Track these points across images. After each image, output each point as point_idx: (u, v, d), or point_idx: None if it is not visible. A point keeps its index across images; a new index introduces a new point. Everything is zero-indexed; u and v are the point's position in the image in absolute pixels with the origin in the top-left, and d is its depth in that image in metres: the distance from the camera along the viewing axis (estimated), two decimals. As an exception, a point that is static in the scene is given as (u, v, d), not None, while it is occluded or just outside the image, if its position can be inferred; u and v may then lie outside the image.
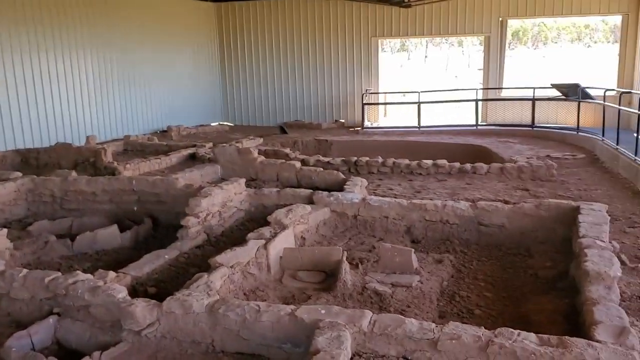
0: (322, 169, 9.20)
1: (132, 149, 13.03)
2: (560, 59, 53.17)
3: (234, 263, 4.98)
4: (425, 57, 62.97)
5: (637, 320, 4.22)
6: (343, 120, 18.83)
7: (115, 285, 4.42)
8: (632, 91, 14.30)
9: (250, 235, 5.70)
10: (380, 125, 18.65)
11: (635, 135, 10.00)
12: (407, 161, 10.43)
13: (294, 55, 19.20)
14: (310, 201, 6.96)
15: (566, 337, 3.42)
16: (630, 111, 12.47)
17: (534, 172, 9.76)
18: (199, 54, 18.79)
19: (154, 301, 4.17)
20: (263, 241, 5.53)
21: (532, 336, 3.47)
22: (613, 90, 14.23)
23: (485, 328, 3.64)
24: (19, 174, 8.36)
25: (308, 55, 19.09)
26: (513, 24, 34.33)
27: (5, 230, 6.02)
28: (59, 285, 4.48)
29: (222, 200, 6.83)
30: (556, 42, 66.77)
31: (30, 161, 11.11)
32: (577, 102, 14.42)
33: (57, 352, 4.32)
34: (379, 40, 19.08)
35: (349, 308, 4.35)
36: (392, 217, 6.70)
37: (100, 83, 14.43)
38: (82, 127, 13.74)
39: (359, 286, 5.14)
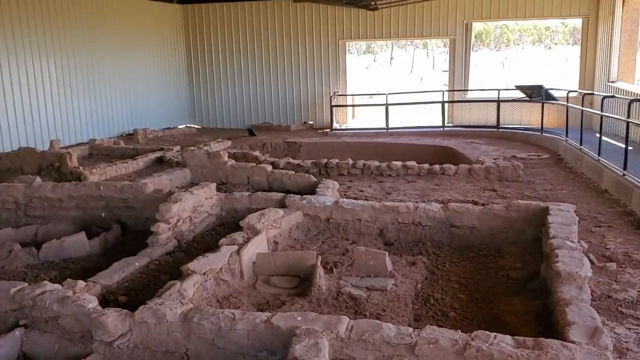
0: (293, 172, 9.16)
1: (98, 153, 12.83)
2: (522, 61, 54.11)
3: (206, 270, 4.92)
4: (391, 59, 63.35)
5: (607, 320, 4.30)
6: (312, 122, 18.84)
7: (85, 295, 4.32)
8: (594, 92, 14.61)
9: (222, 240, 5.63)
10: (349, 127, 18.73)
11: (597, 135, 10.21)
12: (377, 163, 10.48)
13: (262, 57, 19.13)
14: (282, 205, 6.92)
15: (541, 338, 3.45)
16: (592, 112, 12.75)
17: (500, 173, 9.90)
18: (165, 56, 18.58)
19: (125, 311, 4.08)
20: (236, 247, 5.47)
21: (508, 338, 3.49)
22: (575, 91, 14.52)
23: (461, 331, 3.65)
24: (-19, 180, 8.14)
25: (276, 57, 19.05)
26: (476, 26, 34.79)
27: (-33, 240, 5.84)
28: (26, 296, 4.35)
29: (192, 206, 6.74)
30: (518, 44, 67.86)
31: (-8, 167, 10.82)
32: (540, 103, 14.67)
33: (24, 365, 4.21)
34: (346, 43, 19.13)
35: (325, 313, 4.34)
36: (365, 219, 6.71)
37: (64, 86, 14.14)
38: (46, 131, 13.44)
39: (333, 291, 5.12)
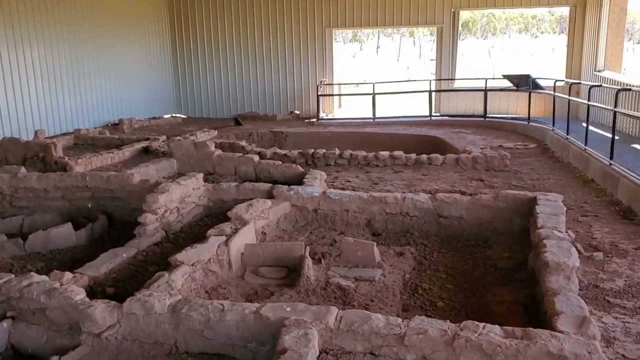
0: (280, 163, 9.13)
1: (83, 143, 12.70)
2: (509, 50, 54.26)
3: (194, 261, 4.89)
4: (378, 47, 63.29)
5: (595, 309, 4.34)
6: (298, 112, 18.80)
7: (72, 287, 4.28)
8: (582, 82, 14.68)
9: (210, 231, 5.61)
10: (336, 116, 18.69)
11: (584, 125, 10.27)
12: (364, 153, 10.48)
13: (248, 46, 19.02)
14: (270, 195, 6.90)
15: (530, 328, 3.48)
16: (579, 101, 12.81)
17: (488, 163, 9.93)
18: (150, 44, 18.41)
19: (113, 302, 4.06)
20: (224, 237, 5.44)
21: (497, 328, 3.51)
22: (562, 80, 14.59)
23: (449, 321, 3.67)
24: (-36, 171, 8.03)
25: (262, 46, 18.95)
26: (463, 14, 34.79)
27: (-49, 231, 5.77)
28: (13, 288, 4.30)
29: (180, 196, 6.70)
30: (504, 33, 68.05)
31: (-24, 157, 10.69)
32: (528, 93, 14.72)
33: (12, 357, 4.17)
34: (333, 31, 19.06)
35: (313, 304, 4.34)
36: (353, 210, 6.71)
37: (48, 75, 13.93)
38: (30, 121, 13.25)
39: (322, 281, 5.12)
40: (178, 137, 11.90)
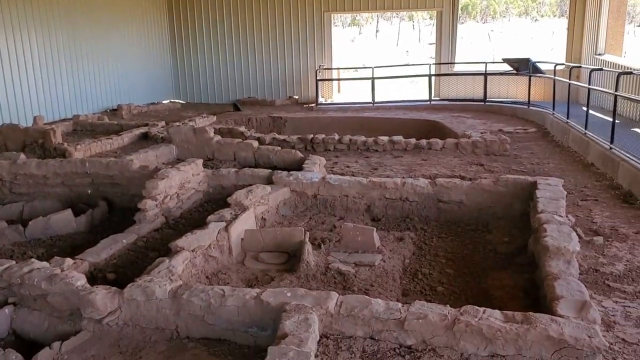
0: (279, 148, 9.11)
1: (82, 129, 12.68)
2: (508, 33, 54.00)
3: (195, 246, 4.90)
4: (377, 31, 62.98)
5: (595, 293, 4.35)
6: (297, 97, 18.72)
7: (73, 273, 4.28)
8: (582, 65, 14.61)
9: (210, 217, 5.61)
10: (335, 101, 18.63)
11: (584, 109, 10.23)
12: (363, 138, 10.45)
13: (247, 31, 18.90)
14: (269, 181, 6.90)
15: (530, 313, 3.49)
16: (580, 85, 12.76)
17: (487, 147, 9.91)
18: (148, 29, 18.30)
19: (114, 288, 4.07)
20: (224, 223, 5.45)
21: (497, 313, 3.52)
22: (563, 64, 14.52)
23: (449, 305, 3.68)
24: (-37, 157, 8.02)
25: (260, 31, 18.83)
26: (463, -2, 34.65)
27: (-49, 218, 5.77)
28: (14, 275, 4.31)
29: (179, 182, 6.69)
30: (504, 16, 67.68)
31: (-25, 144, 10.66)
32: (527, 77, 14.66)
33: (14, 342, 4.19)
34: (332, 15, 18.94)
35: (313, 289, 4.36)
36: (352, 195, 6.70)
37: (47, 61, 13.85)
38: (29, 107, 13.19)
39: (322, 266, 5.13)
40: (177, 123, 11.87)
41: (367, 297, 3.81)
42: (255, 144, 9.27)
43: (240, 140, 9.53)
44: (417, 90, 21.38)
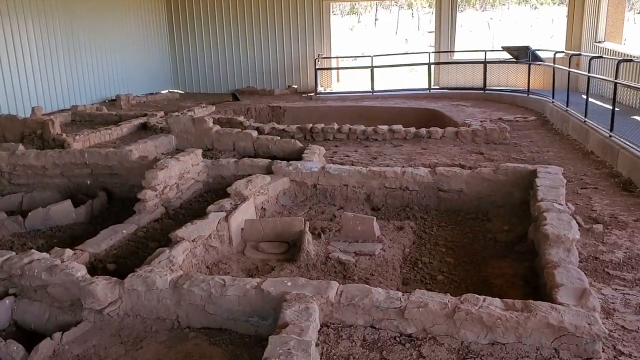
0: (279, 138, 9.10)
1: (81, 120, 12.64)
2: (508, 21, 53.82)
3: (195, 237, 4.90)
4: (376, 20, 62.74)
5: (594, 281, 4.36)
6: (296, 86, 18.68)
7: (73, 264, 4.28)
8: (582, 53, 14.57)
9: (210, 207, 5.61)
10: (334, 90, 18.58)
11: (584, 97, 10.21)
12: (362, 127, 10.43)
13: (245, 20, 18.82)
14: (269, 171, 6.89)
15: (530, 301, 3.50)
16: (579, 73, 12.73)
17: (487, 136, 9.90)
18: (146, 19, 18.22)
19: (115, 279, 4.07)
20: (224, 213, 5.45)
21: (497, 301, 3.53)
22: (562, 52, 14.48)
23: (449, 294, 3.69)
24: (-38, 148, 8.00)
25: (259, 20, 18.75)
26: (462, -14, 34.52)
27: (-49, 209, 5.77)
28: (14, 266, 4.31)
29: (179, 172, 6.69)
30: (503, 4, 67.38)
31: (-27, 135, 10.63)
32: (527, 65, 14.61)
33: (15, 333, 4.19)
34: (330, 4, 18.85)
35: (313, 278, 4.36)
36: (352, 185, 6.70)
37: (44, 51, 13.79)
38: (27, 98, 13.16)
39: (322, 256, 5.14)
40: (176, 113, 11.84)
41: (368, 286, 3.81)
42: (255, 133, 9.25)
43: (239, 130, 9.52)
44: (417, 79, 21.33)
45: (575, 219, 5.30)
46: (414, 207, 6.52)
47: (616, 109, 8.69)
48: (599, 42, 15.24)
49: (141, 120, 11.66)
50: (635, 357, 3.34)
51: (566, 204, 5.51)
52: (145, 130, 11.25)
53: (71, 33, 14.75)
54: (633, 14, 47.59)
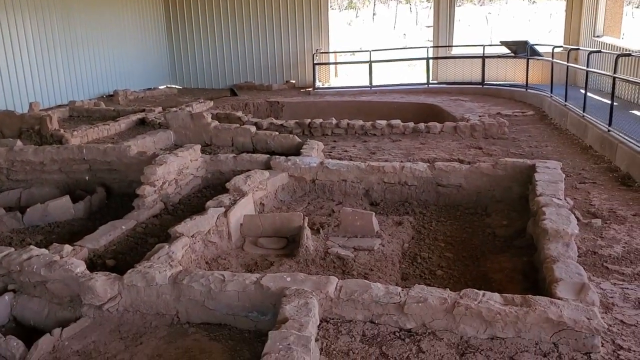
0: (277, 133, 9.09)
1: (78, 115, 12.63)
2: (506, 16, 53.76)
3: (194, 232, 4.90)
4: (374, 14, 62.63)
5: (593, 276, 4.36)
6: (294, 81, 18.64)
7: (72, 260, 4.28)
8: (580, 48, 14.55)
9: (209, 203, 5.60)
10: (332, 85, 18.56)
11: (582, 91, 10.21)
12: (361, 122, 10.42)
13: (243, 15, 18.77)
14: (267, 166, 6.89)
15: (529, 295, 3.50)
16: (578, 68, 12.72)
17: (486, 130, 9.89)
18: (144, 14, 18.17)
19: (114, 274, 4.07)
20: (223, 209, 5.44)
21: (497, 296, 3.53)
22: (561, 46, 14.47)
23: (449, 289, 3.69)
24: (-40, 144, 7.98)
25: (257, 15, 18.70)
26: (460, -20, 34.45)
27: (-51, 205, 5.76)
28: (13, 262, 4.31)
29: (177, 168, 6.68)
30: (502, -1, 67.33)
31: (-30, 131, 10.60)
32: (525, 59, 14.60)
33: (15, 329, 4.19)
34: (329, -2, 18.82)
35: (313, 274, 4.36)
36: (351, 180, 6.70)
37: (42, 46, 13.75)
38: (24, 94, 13.12)
39: (321, 251, 5.14)
40: (174, 109, 11.83)
41: (367, 281, 3.82)
42: (253, 129, 9.24)
43: (237, 126, 9.51)
44: (415, 74, 21.31)
45: (574, 214, 5.30)
46: (412, 202, 6.52)
47: (615, 103, 8.69)
48: (598, 36, 15.23)
49: (139, 115, 11.64)
50: (634, 351, 3.35)
51: (565, 199, 5.52)
52: (143, 125, 11.23)
53: (68, 28, 14.70)
54: (632, 8, 47.54)
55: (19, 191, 7.19)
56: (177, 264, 4.29)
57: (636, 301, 3.97)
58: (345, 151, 9.00)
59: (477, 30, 39.43)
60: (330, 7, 20.03)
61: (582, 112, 9.81)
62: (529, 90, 13.97)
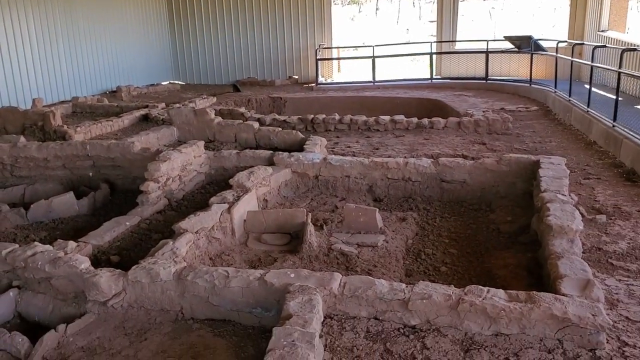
0: (280, 129, 9.08)
1: (82, 111, 12.65)
2: (509, 10, 53.55)
3: (198, 228, 4.90)
4: (377, 9, 62.46)
5: (598, 272, 4.35)
6: (297, 77, 18.64)
7: (77, 256, 4.28)
8: (585, 42, 14.49)
9: (213, 199, 5.60)
10: (335, 81, 18.53)
11: (586, 86, 10.17)
12: (364, 117, 10.40)
13: (245, 10, 18.75)
14: (270, 162, 6.88)
15: (534, 292, 3.49)
16: (582, 63, 12.68)
17: (490, 126, 9.88)
18: (147, 9, 18.16)
19: (119, 270, 4.07)
20: (226, 205, 5.44)
21: (501, 292, 3.52)
22: (565, 41, 14.42)
23: (453, 285, 3.68)
24: (-36, 141, 7.99)
25: (260, 10, 18.68)
26: (464, -25, 34.32)
27: (-46, 202, 5.77)
28: (17, 258, 4.31)
29: (181, 164, 6.68)
30: (505, -7, 66.99)
31: (-26, 127, 10.62)
32: (529, 54, 14.56)
33: (20, 325, 4.20)
34: (332, -6, 18.78)
35: (316, 270, 4.36)
36: (354, 176, 6.69)
37: (44, 42, 13.75)
38: (28, 90, 13.14)
39: (324, 247, 5.13)
40: (177, 105, 11.83)
41: (371, 277, 3.81)
42: (256, 125, 9.24)
43: (240, 122, 9.50)
44: (418, 69, 21.27)
45: (579, 210, 5.29)
46: (416, 198, 6.51)
47: (619, 98, 8.66)
48: (602, 31, 15.16)
49: (142, 111, 11.64)
50: (639, 347, 3.34)
51: (569, 195, 5.50)
52: (146, 121, 11.24)
53: (71, 24, 14.69)
54: (637, 2, 47.30)
55: (22, 187, 7.20)
56: (181, 260, 4.29)
57: (641, 297, 3.96)
58: (349, 147, 8.99)
59: (481, 25, 39.30)
60: (333, 2, 19.99)
61: (586, 107, 9.78)
62: (532, 86, 13.93)
